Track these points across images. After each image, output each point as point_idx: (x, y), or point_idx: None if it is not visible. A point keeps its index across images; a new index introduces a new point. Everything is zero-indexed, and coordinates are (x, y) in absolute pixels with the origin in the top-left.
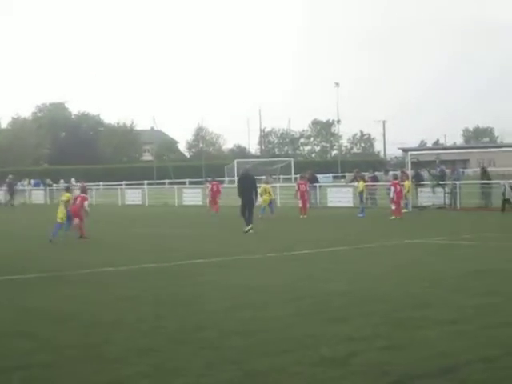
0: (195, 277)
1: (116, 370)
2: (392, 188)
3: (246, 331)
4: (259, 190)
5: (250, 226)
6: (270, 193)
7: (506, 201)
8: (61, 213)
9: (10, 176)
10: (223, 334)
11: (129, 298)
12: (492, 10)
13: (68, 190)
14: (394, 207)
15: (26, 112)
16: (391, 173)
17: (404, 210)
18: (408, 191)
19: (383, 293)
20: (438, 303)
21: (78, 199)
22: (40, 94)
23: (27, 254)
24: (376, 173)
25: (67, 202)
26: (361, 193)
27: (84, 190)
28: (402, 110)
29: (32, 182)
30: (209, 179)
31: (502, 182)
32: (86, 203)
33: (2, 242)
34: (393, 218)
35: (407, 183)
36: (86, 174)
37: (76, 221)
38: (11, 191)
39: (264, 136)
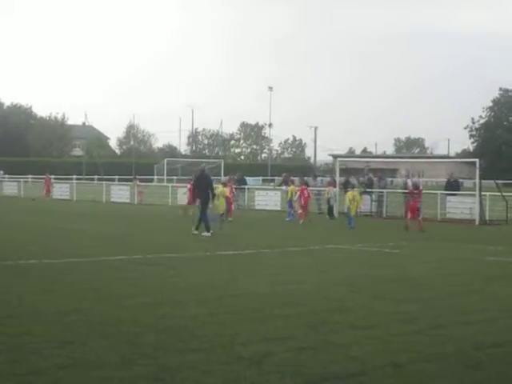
0: (117, 272)
1: (33, 361)
2: (299, 193)
3: (162, 328)
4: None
5: (210, 232)
6: None
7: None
8: (222, 205)
9: None
10: (141, 330)
11: (49, 290)
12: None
13: (225, 184)
14: (300, 211)
15: None
16: (319, 178)
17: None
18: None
19: (303, 296)
20: (355, 308)
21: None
22: None
23: None
24: (305, 178)
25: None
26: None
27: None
28: (334, 117)
29: None
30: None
31: (327, 188)
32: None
33: None
34: (301, 222)
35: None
36: (14, 167)
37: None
38: None
39: (194, 136)
